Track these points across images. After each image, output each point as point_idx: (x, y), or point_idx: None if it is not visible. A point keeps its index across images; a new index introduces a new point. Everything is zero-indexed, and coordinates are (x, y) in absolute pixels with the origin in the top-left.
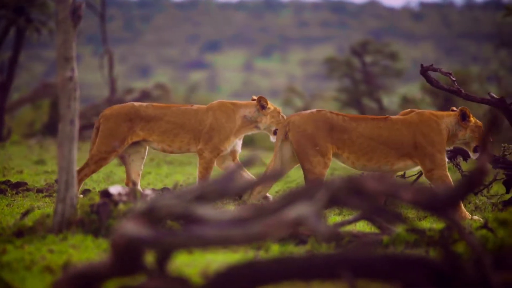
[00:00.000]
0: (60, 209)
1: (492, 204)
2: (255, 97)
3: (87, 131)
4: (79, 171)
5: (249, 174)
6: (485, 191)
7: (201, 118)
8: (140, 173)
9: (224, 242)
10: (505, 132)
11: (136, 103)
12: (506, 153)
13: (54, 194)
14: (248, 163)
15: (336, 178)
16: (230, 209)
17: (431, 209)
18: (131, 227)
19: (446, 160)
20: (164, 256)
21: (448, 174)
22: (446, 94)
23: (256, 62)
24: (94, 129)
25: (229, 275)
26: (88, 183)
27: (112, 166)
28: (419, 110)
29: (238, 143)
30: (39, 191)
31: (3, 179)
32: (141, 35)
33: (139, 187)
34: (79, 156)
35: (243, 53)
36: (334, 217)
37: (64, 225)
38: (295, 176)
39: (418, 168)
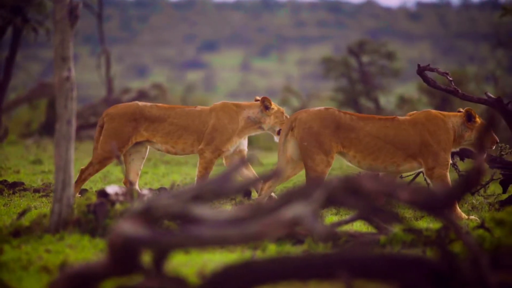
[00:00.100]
0: (57, 209)
1: (489, 204)
2: (258, 98)
3: (84, 131)
4: (83, 171)
5: (252, 171)
6: (482, 191)
7: (205, 119)
8: (139, 172)
9: (221, 242)
10: (502, 132)
11: (140, 103)
12: (503, 153)
13: (51, 194)
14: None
15: (333, 178)
16: (227, 209)
17: (428, 209)
18: (128, 227)
19: (450, 161)
20: (161, 256)
21: (448, 174)
22: (443, 94)
23: (253, 62)
24: (98, 127)
25: (226, 275)
26: (85, 183)
27: (109, 166)
28: (426, 110)
29: (243, 142)
30: (36, 191)
31: (0, 179)
32: (138, 35)
33: (137, 187)
34: (76, 156)
35: (240, 53)
36: (331, 217)
37: (61, 225)
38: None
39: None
